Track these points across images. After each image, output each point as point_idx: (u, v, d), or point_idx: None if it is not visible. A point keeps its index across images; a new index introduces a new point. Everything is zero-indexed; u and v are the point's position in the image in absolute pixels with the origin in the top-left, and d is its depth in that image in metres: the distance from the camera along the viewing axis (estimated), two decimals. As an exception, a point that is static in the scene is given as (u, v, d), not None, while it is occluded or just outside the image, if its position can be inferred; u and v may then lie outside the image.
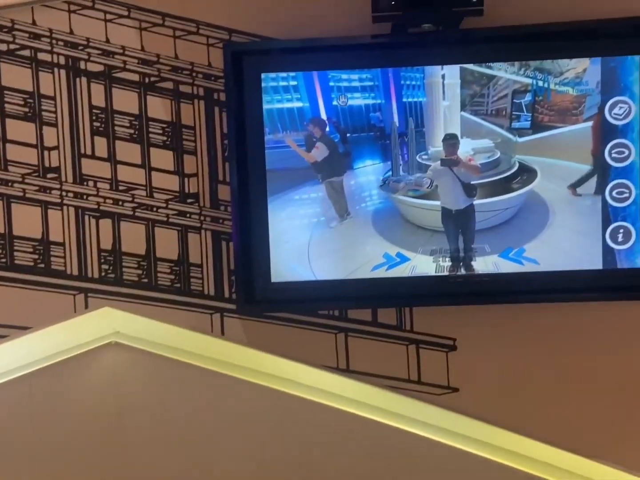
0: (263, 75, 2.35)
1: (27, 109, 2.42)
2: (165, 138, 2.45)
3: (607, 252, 2.39)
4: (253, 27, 2.40)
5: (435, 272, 2.41)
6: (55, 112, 2.42)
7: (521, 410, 2.51)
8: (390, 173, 2.40)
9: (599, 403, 2.52)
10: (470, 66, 2.35)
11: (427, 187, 2.39)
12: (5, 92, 2.41)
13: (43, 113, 2.42)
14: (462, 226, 2.41)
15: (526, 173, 2.40)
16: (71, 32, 2.40)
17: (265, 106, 2.36)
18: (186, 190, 2.47)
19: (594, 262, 2.39)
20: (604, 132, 2.36)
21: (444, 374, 2.53)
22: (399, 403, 2.53)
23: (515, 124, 2.38)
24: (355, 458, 2.54)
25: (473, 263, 2.41)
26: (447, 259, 2.41)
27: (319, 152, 2.40)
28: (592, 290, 2.41)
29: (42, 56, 2.40)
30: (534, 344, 2.51)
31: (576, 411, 2.51)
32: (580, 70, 2.35)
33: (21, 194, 2.43)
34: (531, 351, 2.52)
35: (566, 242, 2.41)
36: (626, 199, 2.38)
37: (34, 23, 2.40)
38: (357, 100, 2.37)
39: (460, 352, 2.52)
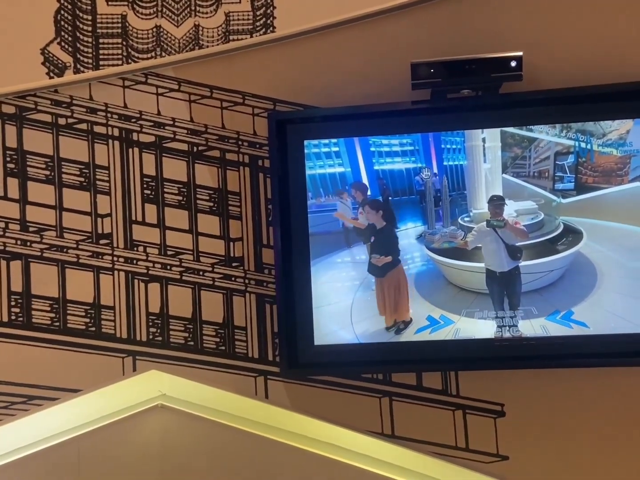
0: (306, 142, 2.40)
1: (82, 179, 2.53)
2: (211, 204, 2.52)
3: (662, 315, 2.31)
4: (296, 96, 2.47)
5: (481, 335, 2.37)
6: (108, 181, 2.52)
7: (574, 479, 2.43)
8: (426, 226, 2.41)
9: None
10: (511, 129, 2.37)
11: (461, 239, 2.38)
12: (63, 163, 2.52)
13: (97, 182, 2.52)
14: (508, 288, 2.37)
15: (571, 234, 2.36)
16: (125, 106, 2.52)
17: (308, 172, 2.41)
18: (231, 254, 2.52)
19: (647, 325, 2.32)
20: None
21: (492, 440, 2.46)
22: (446, 471, 2.47)
23: (559, 186, 2.37)
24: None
25: (519, 326, 2.36)
26: (492, 322, 2.37)
27: (364, 216, 2.43)
28: (645, 354, 2.33)
29: (97, 129, 2.52)
30: (585, 410, 2.43)
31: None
32: (624, 132, 2.33)
33: (75, 259, 2.52)
34: (583, 417, 2.44)
35: (617, 305, 2.34)
36: (679, 260, 2.31)
37: (90, 98, 2.52)
38: (398, 165, 2.41)
39: (509, 418, 2.45)
